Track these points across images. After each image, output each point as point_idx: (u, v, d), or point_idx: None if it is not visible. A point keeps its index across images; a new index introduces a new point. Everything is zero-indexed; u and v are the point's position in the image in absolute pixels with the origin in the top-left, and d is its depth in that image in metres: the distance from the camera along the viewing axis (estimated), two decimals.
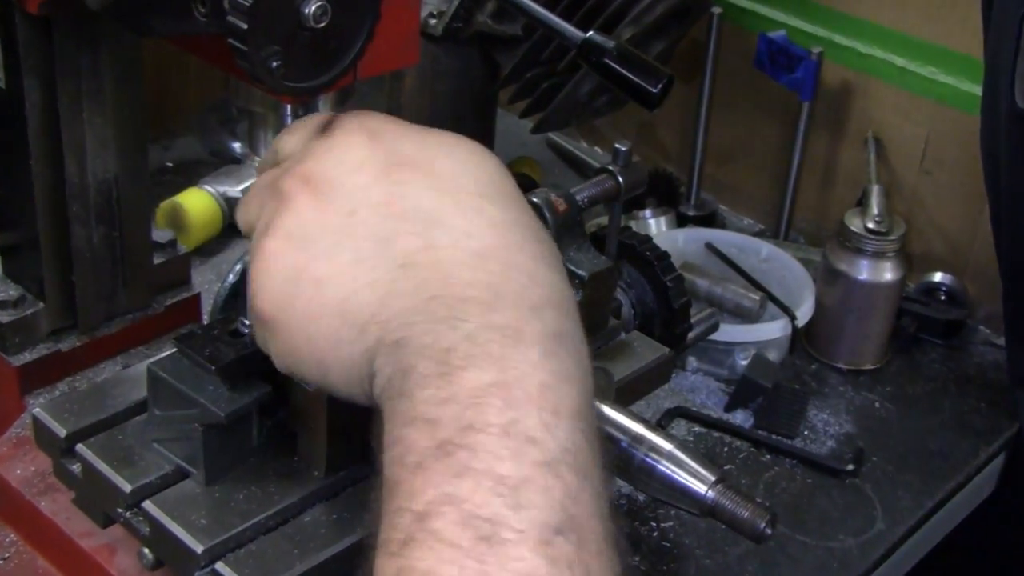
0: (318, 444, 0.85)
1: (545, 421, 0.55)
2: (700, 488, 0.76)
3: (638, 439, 0.77)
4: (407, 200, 0.62)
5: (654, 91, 0.89)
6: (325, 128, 0.69)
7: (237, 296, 0.87)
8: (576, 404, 0.57)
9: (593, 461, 0.56)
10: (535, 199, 0.99)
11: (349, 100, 0.91)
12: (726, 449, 1.24)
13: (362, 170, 0.63)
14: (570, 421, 0.56)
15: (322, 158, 0.65)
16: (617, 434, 0.77)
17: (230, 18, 0.70)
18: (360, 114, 0.69)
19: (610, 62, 0.92)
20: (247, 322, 0.83)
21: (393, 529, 0.53)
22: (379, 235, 0.61)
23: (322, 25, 0.72)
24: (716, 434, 1.26)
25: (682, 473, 0.76)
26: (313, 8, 0.71)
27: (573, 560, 0.51)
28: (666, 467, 0.76)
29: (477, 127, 1.50)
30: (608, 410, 0.79)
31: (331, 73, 0.75)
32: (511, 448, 0.53)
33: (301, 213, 0.63)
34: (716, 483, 0.76)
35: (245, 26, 0.69)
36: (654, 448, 0.77)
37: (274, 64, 0.71)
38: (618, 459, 0.78)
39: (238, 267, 0.89)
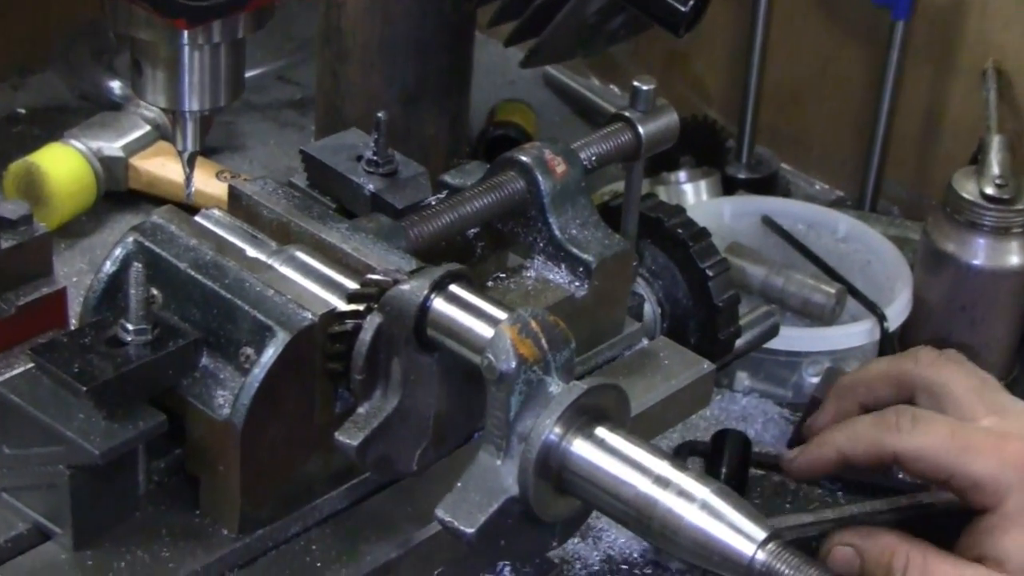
0: (228, 493, 0.87)
1: None
2: (745, 549, 0.77)
3: (662, 481, 0.79)
4: None
5: (682, 9, 0.91)
6: None
7: (117, 291, 0.89)
8: None
9: None
10: (524, 158, 1.01)
11: (268, 24, 0.93)
12: (789, 498, 1.26)
13: None
14: None
15: None
16: (633, 475, 0.79)
17: None
18: None
19: None
20: (131, 326, 0.85)
21: None
22: None
23: None
24: (776, 477, 1.28)
25: (721, 528, 0.78)
26: None
27: None
28: (699, 520, 0.78)
29: (447, 60, 1.52)
30: (622, 443, 0.81)
31: None
32: None
33: None
34: (767, 542, 0.77)
35: None
36: (683, 494, 0.78)
37: None
38: (635, 509, 0.80)
39: (118, 252, 0.91)
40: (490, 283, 1.00)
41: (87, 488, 0.85)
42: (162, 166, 1.53)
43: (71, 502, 0.84)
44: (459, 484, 0.82)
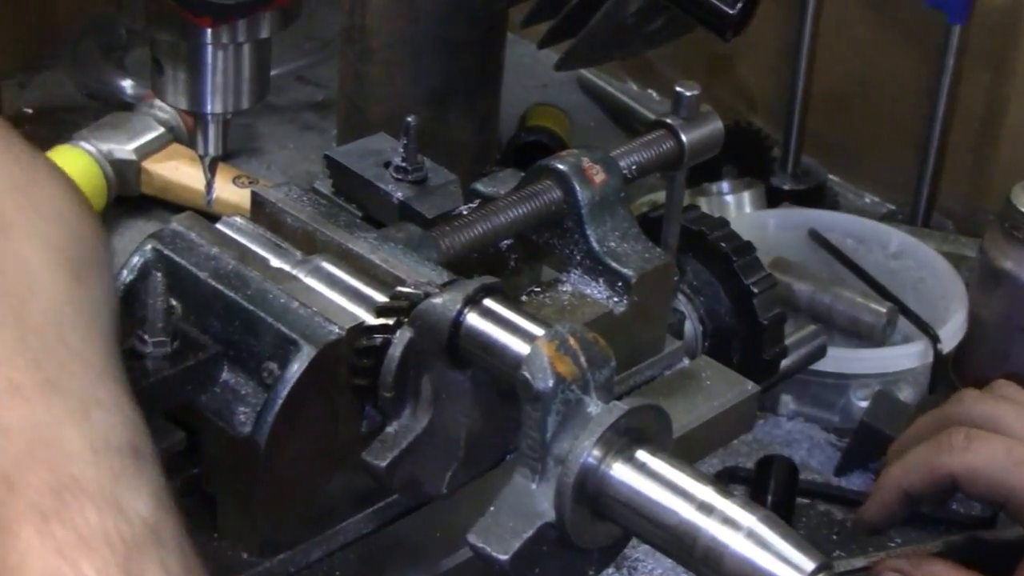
0: (248, 515, 0.88)
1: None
2: None
3: (706, 508, 0.80)
4: None
5: (731, 12, 0.91)
6: None
7: (134, 301, 0.90)
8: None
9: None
10: (560, 166, 1.02)
11: (295, 23, 0.95)
12: (836, 529, 1.27)
13: None
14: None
15: None
16: (676, 501, 0.80)
17: None
18: None
19: None
20: (149, 338, 0.86)
21: None
22: None
23: None
24: (823, 507, 1.28)
25: (768, 558, 0.78)
26: None
27: None
28: (744, 549, 0.78)
29: (476, 60, 1.53)
30: (663, 467, 0.81)
31: None
32: None
33: None
34: (815, 573, 0.78)
35: None
36: (728, 521, 0.79)
37: None
38: (677, 537, 0.80)
39: (135, 260, 0.92)
40: (524, 297, 1.01)
41: None
42: (176, 170, 1.55)
43: None
44: (492, 508, 0.82)
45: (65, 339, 0.69)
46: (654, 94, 1.85)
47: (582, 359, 0.81)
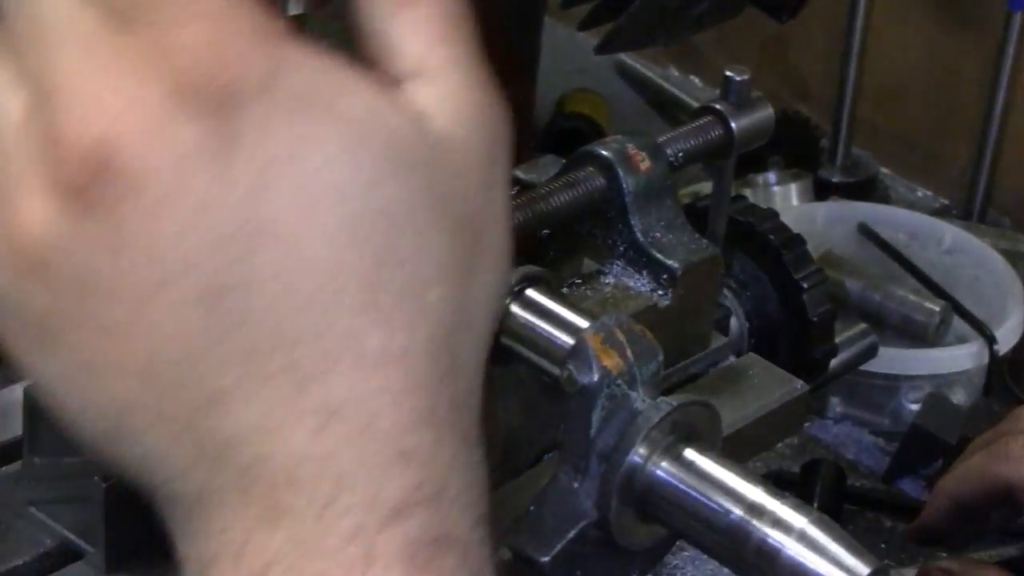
0: None
1: None
2: None
3: (756, 509, 0.79)
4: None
5: None
6: None
7: None
8: None
9: None
10: (604, 152, 1.01)
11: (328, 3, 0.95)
12: (885, 536, 1.26)
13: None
14: None
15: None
16: (725, 502, 0.80)
17: None
18: None
19: None
20: None
21: None
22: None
23: None
24: (870, 514, 1.28)
25: (821, 561, 0.78)
26: None
27: None
28: (797, 552, 0.78)
29: (514, 44, 1.53)
30: (713, 466, 0.81)
31: None
32: None
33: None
34: None
35: None
36: (779, 523, 0.79)
37: None
38: (727, 539, 0.80)
39: None
40: (564, 289, 1.00)
41: (123, 502, 0.85)
42: None
43: (105, 517, 0.85)
44: (532, 507, 0.82)
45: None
46: (697, 81, 1.85)
47: (629, 353, 0.81)
